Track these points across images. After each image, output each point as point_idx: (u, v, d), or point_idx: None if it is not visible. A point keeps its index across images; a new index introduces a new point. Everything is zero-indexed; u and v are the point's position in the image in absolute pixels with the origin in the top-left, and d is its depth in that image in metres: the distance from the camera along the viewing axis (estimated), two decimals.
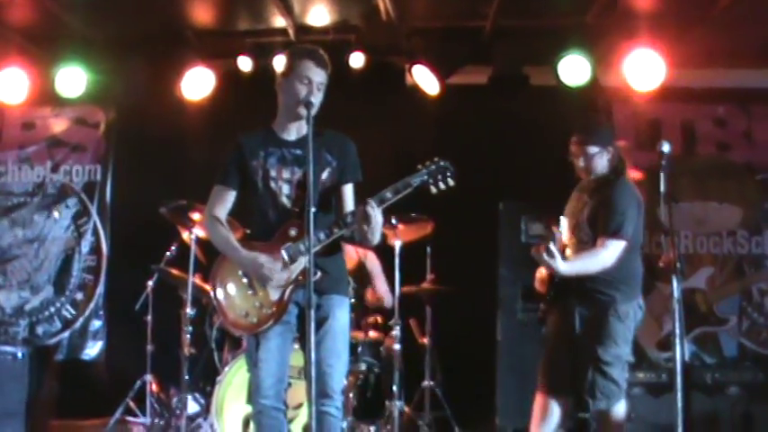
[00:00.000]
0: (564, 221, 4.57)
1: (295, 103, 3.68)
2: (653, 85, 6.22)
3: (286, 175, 3.75)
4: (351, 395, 5.35)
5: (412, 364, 5.93)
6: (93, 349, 7.22)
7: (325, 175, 3.77)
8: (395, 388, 5.58)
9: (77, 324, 7.22)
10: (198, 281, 5.81)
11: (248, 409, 3.85)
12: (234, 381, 5.30)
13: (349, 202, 3.82)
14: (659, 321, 6.47)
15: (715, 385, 6.08)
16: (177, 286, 6.03)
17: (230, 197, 3.83)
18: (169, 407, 6.12)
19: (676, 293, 3.81)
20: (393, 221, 5.55)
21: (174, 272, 6.04)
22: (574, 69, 6.27)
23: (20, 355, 6.29)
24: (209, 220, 3.85)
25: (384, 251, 5.81)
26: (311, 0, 6.28)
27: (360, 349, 5.52)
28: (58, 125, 7.40)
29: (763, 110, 6.90)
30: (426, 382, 5.97)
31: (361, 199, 3.72)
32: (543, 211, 5.61)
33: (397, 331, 5.64)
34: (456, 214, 5.65)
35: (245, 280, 3.74)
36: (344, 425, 5.00)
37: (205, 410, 5.80)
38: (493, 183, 6.42)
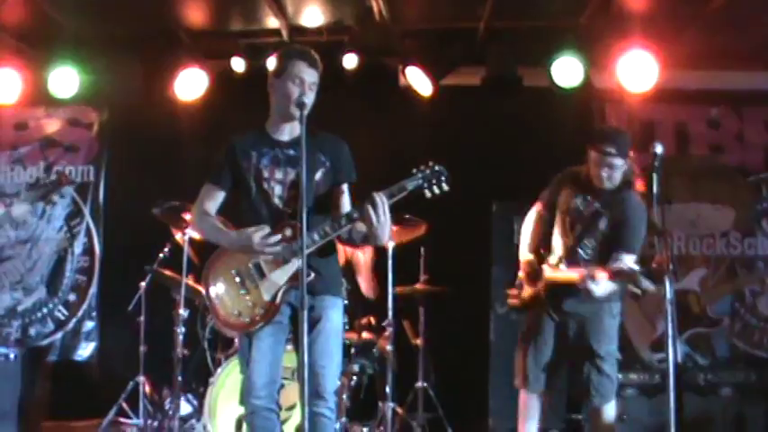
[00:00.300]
0: (558, 218, 4.62)
1: (288, 104, 3.67)
2: (646, 86, 6.22)
3: (279, 175, 3.75)
4: (344, 396, 5.34)
5: (405, 364, 5.93)
6: (85, 350, 7.19)
7: (318, 176, 3.76)
8: (388, 389, 5.59)
9: (70, 325, 7.19)
10: (191, 282, 5.80)
11: (241, 410, 3.84)
12: (227, 382, 5.30)
13: (344, 203, 3.81)
14: (653, 322, 6.49)
15: (708, 386, 6.11)
16: (170, 287, 6.03)
17: (219, 196, 3.83)
18: (162, 408, 6.10)
19: (669, 295, 3.82)
20: None
21: (167, 273, 6.03)
22: (567, 71, 6.26)
23: (12, 356, 6.28)
24: (197, 215, 3.86)
25: (377, 252, 5.81)
26: (305, 1, 6.27)
27: (353, 350, 5.51)
28: (52, 126, 7.37)
29: (756, 112, 6.91)
30: (419, 383, 5.97)
31: (354, 200, 3.72)
32: None
33: (390, 332, 5.64)
34: (449, 215, 5.65)
35: (237, 279, 3.73)
36: (338, 426, 5.01)
37: (198, 411, 5.80)
38: (486, 183, 6.42)
